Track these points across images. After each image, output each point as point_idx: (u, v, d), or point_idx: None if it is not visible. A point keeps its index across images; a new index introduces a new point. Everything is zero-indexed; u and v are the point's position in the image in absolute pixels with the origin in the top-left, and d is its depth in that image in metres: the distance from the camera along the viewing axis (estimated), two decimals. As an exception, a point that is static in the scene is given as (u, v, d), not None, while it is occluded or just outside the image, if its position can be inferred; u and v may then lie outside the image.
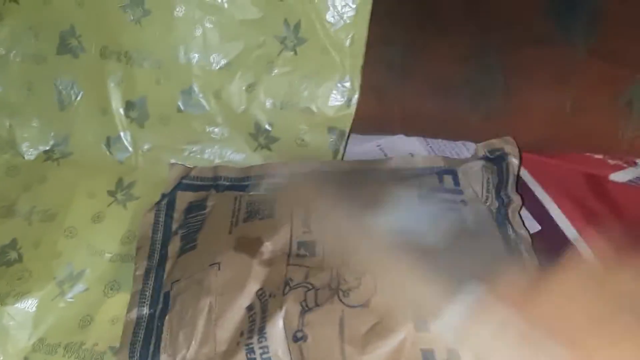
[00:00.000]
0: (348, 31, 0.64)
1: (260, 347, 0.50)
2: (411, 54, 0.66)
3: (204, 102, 0.68)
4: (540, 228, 0.64)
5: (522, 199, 0.62)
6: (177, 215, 0.64)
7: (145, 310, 0.58)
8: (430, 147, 0.70)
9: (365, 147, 0.70)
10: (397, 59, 0.66)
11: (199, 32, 0.66)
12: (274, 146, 0.68)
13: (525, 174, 0.67)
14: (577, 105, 0.63)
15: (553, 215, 0.65)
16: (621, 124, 0.63)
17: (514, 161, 0.62)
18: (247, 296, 0.54)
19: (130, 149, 0.69)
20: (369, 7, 0.63)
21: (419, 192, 0.59)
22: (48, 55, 0.69)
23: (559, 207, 0.65)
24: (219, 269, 0.56)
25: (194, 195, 0.65)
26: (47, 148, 0.70)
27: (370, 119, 0.67)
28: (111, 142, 0.70)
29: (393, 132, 0.70)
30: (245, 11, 0.65)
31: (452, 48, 0.65)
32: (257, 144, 0.68)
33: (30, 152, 0.70)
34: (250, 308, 0.54)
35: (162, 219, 0.64)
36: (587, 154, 0.67)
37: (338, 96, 0.65)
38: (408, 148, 0.70)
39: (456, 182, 0.61)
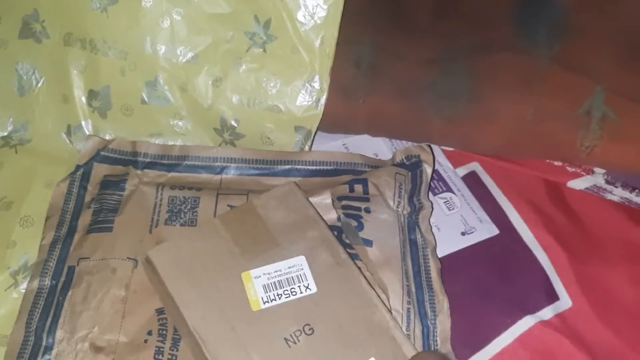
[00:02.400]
0: (318, 31, 0.64)
1: (170, 354, 0.53)
2: (379, 54, 0.66)
3: (168, 94, 0.67)
4: (498, 232, 0.65)
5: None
6: (92, 187, 0.64)
7: (47, 281, 0.58)
8: (395, 147, 0.70)
9: (330, 146, 0.70)
10: (365, 58, 0.66)
11: (166, 23, 0.65)
12: (239, 142, 0.67)
13: (486, 179, 0.69)
14: (538, 113, 0.64)
15: (511, 220, 0.66)
16: (580, 133, 0.64)
17: (428, 169, 0.65)
18: (159, 300, 0.56)
19: (91, 138, 0.68)
20: (340, 8, 0.63)
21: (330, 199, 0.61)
22: (9, 40, 0.67)
23: (518, 212, 0.66)
24: (136, 266, 0.57)
25: (111, 168, 0.65)
26: (5, 134, 0.69)
27: (335, 116, 0.68)
28: (72, 130, 0.68)
29: (358, 132, 0.71)
30: (214, 5, 0.64)
31: (419, 51, 0.66)
32: (222, 140, 0.67)
33: (-14, 138, 0.69)
34: (160, 311, 0.55)
35: (75, 189, 0.63)
36: (547, 160, 0.69)
37: (306, 96, 0.65)
38: (373, 148, 0.71)
39: (365, 191, 0.62)
